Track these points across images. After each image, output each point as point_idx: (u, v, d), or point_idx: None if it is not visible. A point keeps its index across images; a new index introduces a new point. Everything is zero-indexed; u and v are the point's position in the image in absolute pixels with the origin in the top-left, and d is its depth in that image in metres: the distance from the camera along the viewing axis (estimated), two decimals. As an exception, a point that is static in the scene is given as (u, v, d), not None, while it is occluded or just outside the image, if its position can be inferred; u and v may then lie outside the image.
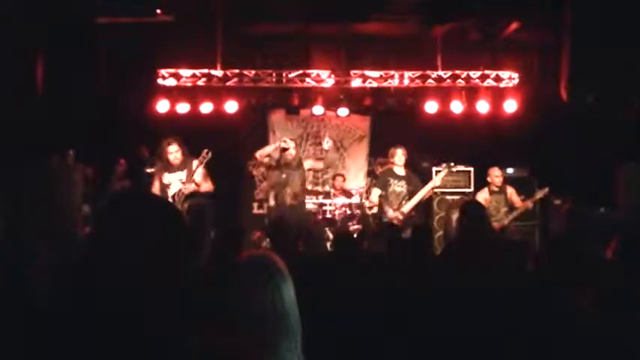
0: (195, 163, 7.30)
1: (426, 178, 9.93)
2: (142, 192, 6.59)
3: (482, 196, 9.10)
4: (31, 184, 7.31)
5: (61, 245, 4.13)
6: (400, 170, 8.63)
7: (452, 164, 9.25)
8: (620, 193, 8.62)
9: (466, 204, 6.26)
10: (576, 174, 9.35)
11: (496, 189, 9.02)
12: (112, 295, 1.85)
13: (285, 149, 8.16)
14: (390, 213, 8.41)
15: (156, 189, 7.48)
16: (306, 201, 9.56)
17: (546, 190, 8.88)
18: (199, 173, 7.33)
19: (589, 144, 9.26)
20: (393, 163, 8.67)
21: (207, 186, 7.46)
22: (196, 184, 7.29)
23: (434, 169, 10.38)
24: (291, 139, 8.39)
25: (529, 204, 8.90)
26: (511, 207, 8.97)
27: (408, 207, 8.44)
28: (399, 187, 8.59)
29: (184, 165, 7.37)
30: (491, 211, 8.98)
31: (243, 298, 1.71)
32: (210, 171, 7.55)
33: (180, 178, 7.35)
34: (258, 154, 8.43)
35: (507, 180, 9.30)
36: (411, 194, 8.54)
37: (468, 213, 5.43)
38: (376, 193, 8.75)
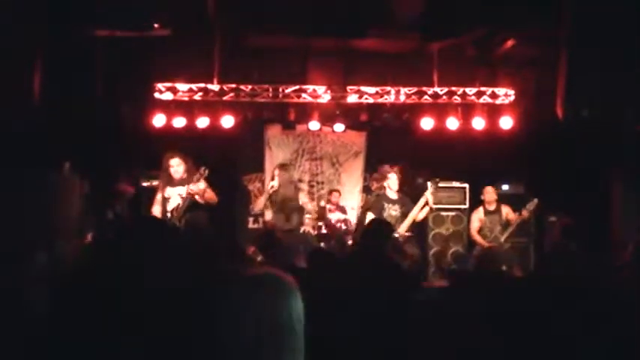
0: (195, 178, 7.34)
1: (422, 194, 9.94)
2: (152, 218, 6.60)
3: (477, 217, 9.18)
4: (27, 195, 7.28)
5: (56, 256, 4.11)
6: (393, 194, 8.79)
7: (437, 180, 9.30)
8: (616, 209, 8.65)
9: (372, 223, 6.43)
10: (572, 191, 9.36)
11: (491, 209, 9.07)
12: (115, 298, 1.85)
13: (275, 191, 8.60)
14: None
15: (158, 203, 7.49)
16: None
17: (536, 200, 8.86)
18: (199, 187, 7.35)
19: (585, 161, 9.29)
20: (385, 187, 8.77)
21: (208, 195, 7.47)
22: (196, 193, 7.32)
23: (429, 184, 10.41)
24: (279, 169, 8.63)
25: (525, 213, 8.88)
26: (506, 225, 8.98)
27: (402, 228, 8.51)
28: (393, 210, 8.70)
29: (186, 180, 7.38)
30: (486, 232, 9.05)
31: (261, 309, 1.71)
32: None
33: (180, 193, 7.36)
34: (257, 209, 8.78)
35: (503, 197, 9.32)
36: (404, 216, 8.61)
37: (368, 233, 5.55)
38: (370, 217, 8.82)
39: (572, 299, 3.22)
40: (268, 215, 9.48)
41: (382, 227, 5.86)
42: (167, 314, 1.92)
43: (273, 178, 8.73)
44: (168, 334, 1.89)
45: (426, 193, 8.98)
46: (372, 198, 10.02)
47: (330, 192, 10.87)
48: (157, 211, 7.50)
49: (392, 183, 8.85)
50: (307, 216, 9.24)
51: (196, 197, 7.36)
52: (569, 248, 5.10)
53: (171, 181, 7.47)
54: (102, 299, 1.99)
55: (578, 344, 3.00)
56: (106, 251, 2.30)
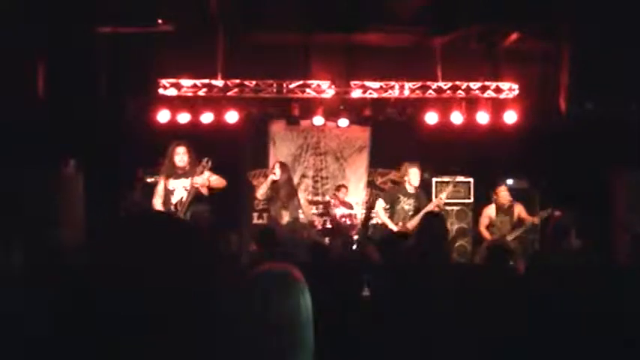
0: (198, 170, 7.34)
1: (426, 189, 9.93)
2: (154, 212, 6.59)
3: (488, 213, 9.12)
4: (31, 191, 7.31)
5: (60, 253, 4.14)
6: (411, 189, 8.69)
7: (455, 180, 9.26)
8: (617, 204, 8.62)
9: (429, 218, 6.32)
10: (576, 184, 9.33)
11: (504, 208, 8.98)
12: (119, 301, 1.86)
13: (274, 181, 8.64)
14: (394, 228, 8.46)
15: (159, 195, 7.47)
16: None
17: (550, 210, 8.74)
18: (204, 178, 7.34)
19: (589, 155, 9.26)
20: (405, 181, 8.71)
21: (215, 180, 7.45)
22: (202, 185, 7.31)
23: (434, 180, 10.41)
24: (280, 166, 8.80)
25: (536, 220, 8.82)
26: (517, 224, 8.92)
27: (412, 223, 8.44)
28: (407, 204, 8.63)
29: (190, 173, 7.37)
30: (495, 230, 8.99)
31: (266, 307, 1.71)
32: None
33: (185, 186, 7.34)
34: (259, 194, 8.78)
35: (512, 194, 9.22)
36: (416, 211, 8.56)
37: (427, 229, 5.47)
38: (380, 205, 8.79)
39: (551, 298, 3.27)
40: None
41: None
42: (174, 317, 1.92)
43: (274, 170, 8.78)
44: (177, 338, 1.89)
45: (441, 196, 9.01)
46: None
47: (338, 187, 10.84)
48: (157, 203, 7.46)
49: (413, 179, 8.75)
50: (301, 215, 9.20)
51: (201, 190, 7.35)
52: (562, 246, 5.09)
53: (174, 172, 7.44)
54: (99, 299, 1.98)
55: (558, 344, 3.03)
56: (106, 248, 2.28)
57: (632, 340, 3.03)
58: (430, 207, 8.71)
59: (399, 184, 9.11)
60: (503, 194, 9.00)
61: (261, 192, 8.86)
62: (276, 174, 8.66)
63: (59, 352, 1.94)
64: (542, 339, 3.11)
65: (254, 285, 1.76)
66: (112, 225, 2.29)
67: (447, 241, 6.07)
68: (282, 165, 8.92)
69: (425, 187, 9.91)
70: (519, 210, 8.99)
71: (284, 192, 8.66)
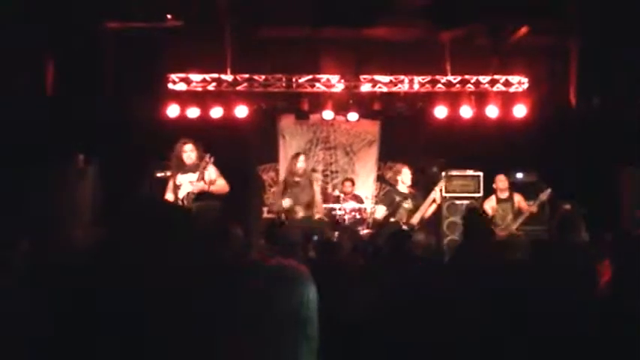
0: (201, 167, 7.40)
1: (436, 182, 9.92)
2: (154, 198, 6.65)
3: (489, 205, 9.17)
4: (38, 190, 7.37)
5: (63, 248, 4.17)
6: (404, 188, 8.77)
7: (448, 172, 9.34)
8: (624, 198, 8.59)
9: (468, 213, 6.34)
10: (585, 178, 9.30)
11: (503, 197, 9.04)
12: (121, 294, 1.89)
13: (296, 182, 8.74)
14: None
15: (170, 190, 7.58)
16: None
17: (549, 191, 8.81)
18: (208, 173, 7.40)
19: (598, 148, 9.22)
20: (398, 181, 8.79)
21: (219, 184, 7.52)
22: (205, 182, 7.36)
23: (443, 174, 10.38)
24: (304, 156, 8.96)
25: (534, 208, 8.86)
26: (517, 213, 8.95)
27: (416, 219, 8.52)
28: (406, 203, 8.68)
29: (197, 167, 7.45)
30: (498, 220, 9.04)
31: (273, 301, 1.73)
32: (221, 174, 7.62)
33: (191, 180, 7.43)
34: (276, 209, 9.02)
35: (516, 186, 9.29)
36: (415, 209, 8.64)
37: (468, 223, 5.48)
38: (381, 210, 8.84)
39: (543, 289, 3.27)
40: (286, 203, 9.38)
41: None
42: (171, 317, 1.94)
43: (296, 160, 8.83)
44: (176, 337, 1.91)
45: (435, 189, 9.00)
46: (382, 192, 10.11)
47: (344, 181, 10.85)
48: (170, 198, 7.57)
49: (405, 178, 8.85)
50: (315, 208, 9.20)
51: (206, 187, 7.43)
52: (567, 239, 5.08)
53: (182, 168, 7.54)
54: (99, 299, 2.01)
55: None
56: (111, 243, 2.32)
57: (632, 340, 3.03)
58: (429, 200, 8.74)
59: (392, 184, 9.18)
60: (500, 180, 9.07)
61: (278, 192, 8.90)
62: (302, 163, 8.74)
63: (60, 352, 1.97)
64: (541, 337, 3.13)
65: (265, 279, 1.77)
66: (113, 224, 2.31)
67: (493, 237, 6.04)
68: (306, 156, 8.99)
69: (433, 182, 9.90)
70: (518, 199, 9.08)
71: (305, 194, 8.69)
